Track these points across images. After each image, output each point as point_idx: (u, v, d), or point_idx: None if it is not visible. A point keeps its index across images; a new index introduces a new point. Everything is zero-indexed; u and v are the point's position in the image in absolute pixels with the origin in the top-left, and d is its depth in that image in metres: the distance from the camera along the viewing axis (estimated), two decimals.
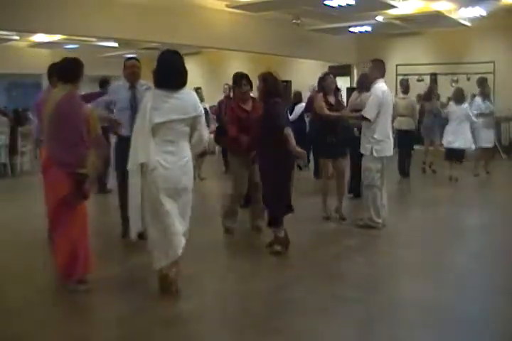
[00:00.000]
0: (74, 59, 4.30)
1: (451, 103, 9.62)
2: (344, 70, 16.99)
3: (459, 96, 9.43)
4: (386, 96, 5.90)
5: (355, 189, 8.07)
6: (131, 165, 3.88)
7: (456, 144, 9.27)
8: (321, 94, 6.47)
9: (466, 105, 9.42)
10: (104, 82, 8.67)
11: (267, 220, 5.20)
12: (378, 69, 6.09)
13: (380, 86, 5.96)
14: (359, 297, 4.02)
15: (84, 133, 4.05)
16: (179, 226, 3.92)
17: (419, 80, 14.60)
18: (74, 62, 4.26)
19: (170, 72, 3.91)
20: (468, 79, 13.61)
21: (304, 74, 16.14)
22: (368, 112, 5.89)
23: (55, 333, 3.46)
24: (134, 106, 5.20)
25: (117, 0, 10.52)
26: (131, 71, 5.43)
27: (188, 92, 4.01)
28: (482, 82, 10.24)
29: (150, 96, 3.94)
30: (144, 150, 3.79)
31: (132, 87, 5.41)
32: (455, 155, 9.39)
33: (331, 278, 4.48)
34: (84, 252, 4.12)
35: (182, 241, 3.93)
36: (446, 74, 14.57)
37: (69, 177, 3.98)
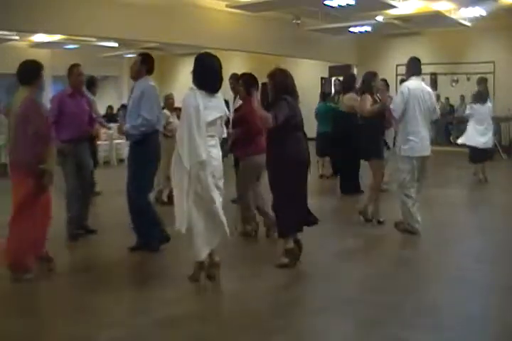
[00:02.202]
0: (30, 62, 4.49)
1: (475, 105, 9.40)
2: (344, 70, 17.01)
3: (481, 97, 9.38)
4: (413, 94, 5.66)
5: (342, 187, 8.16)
6: (188, 164, 4.03)
7: (485, 144, 9.26)
8: (368, 96, 6.26)
9: (489, 104, 9.39)
10: (90, 84, 8.39)
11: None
12: (411, 67, 5.92)
13: (408, 83, 5.79)
14: (359, 297, 4.02)
15: (43, 131, 4.31)
16: (223, 216, 4.21)
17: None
18: (30, 65, 4.46)
19: (214, 76, 4.23)
20: (468, 79, 13.63)
21: (304, 74, 16.16)
22: (394, 111, 5.77)
23: (55, 333, 3.46)
24: (126, 106, 5.19)
25: (118, 0, 10.53)
26: (130, 70, 5.21)
27: (219, 93, 4.32)
28: (480, 83, 10.20)
29: (197, 97, 4.08)
30: (203, 148, 4.05)
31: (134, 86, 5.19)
32: (481, 156, 9.33)
33: (331, 278, 4.47)
34: (38, 245, 4.45)
35: (227, 230, 4.26)
36: (446, 74, 14.59)
37: (30, 175, 4.25)
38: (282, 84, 4.74)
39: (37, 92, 4.48)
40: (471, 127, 9.41)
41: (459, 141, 9.74)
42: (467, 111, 9.65)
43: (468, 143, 9.44)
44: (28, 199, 4.29)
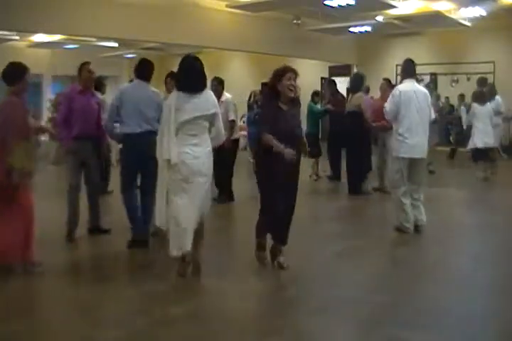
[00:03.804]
0: (13, 64, 4.58)
1: (475, 105, 9.47)
2: (344, 70, 17.00)
3: (481, 97, 9.38)
4: (405, 95, 5.71)
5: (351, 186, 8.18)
6: (159, 160, 4.30)
7: (491, 142, 9.28)
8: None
9: (489, 105, 9.39)
10: (100, 83, 8.59)
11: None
12: (405, 69, 6.02)
13: (400, 86, 5.88)
14: (359, 297, 4.02)
15: (13, 130, 4.35)
16: (192, 220, 4.22)
17: (419, 80, 14.59)
18: (15, 67, 4.56)
19: (192, 77, 4.28)
20: (468, 79, 13.63)
21: (304, 74, 16.15)
22: (386, 113, 5.89)
23: (55, 333, 3.46)
24: None
25: (117, 0, 10.53)
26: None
27: (207, 92, 4.39)
28: (481, 84, 10.19)
29: (173, 98, 4.26)
30: (167, 148, 4.19)
31: None
32: (485, 155, 9.32)
33: (331, 278, 4.47)
34: (21, 241, 4.45)
35: (190, 238, 4.22)
36: (446, 74, 14.59)
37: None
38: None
39: (20, 93, 4.56)
40: (475, 127, 9.40)
41: (469, 147, 9.63)
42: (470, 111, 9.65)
43: (471, 146, 9.45)
44: (2, 199, 4.36)
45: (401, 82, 6.07)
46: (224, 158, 7.23)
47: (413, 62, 6.01)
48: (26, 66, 4.61)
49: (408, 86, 5.83)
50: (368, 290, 4.17)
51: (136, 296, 4.07)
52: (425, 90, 5.98)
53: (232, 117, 7.29)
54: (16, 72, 4.53)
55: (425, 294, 4.10)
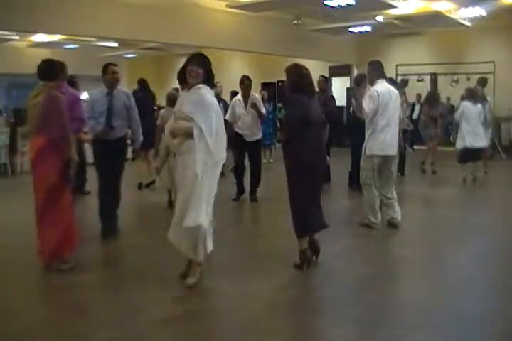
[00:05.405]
0: (54, 60, 4.80)
1: (467, 103, 9.29)
2: (344, 70, 17.00)
3: (474, 96, 9.31)
4: (382, 96, 5.84)
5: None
6: (211, 158, 4.10)
7: (481, 144, 9.21)
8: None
9: (479, 105, 9.33)
10: (72, 82, 8.51)
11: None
12: (374, 71, 6.09)
13: (375, 87, 5.95)
14: (359, 297, 4.02)
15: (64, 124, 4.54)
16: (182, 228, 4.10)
17: (419, 80, 14.61)
18: (54, 63, 4.76)
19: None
20: (468, 79, 13.62)
21: None
22: (367, 115, 5.94)
23: (55, 333, 3.46)
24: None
25: (117, 0, 10.52)
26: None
27: None
28: (482, 83, 10.18)
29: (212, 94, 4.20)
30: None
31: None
32: (475, 155, 9.29)
33: (331, 278, 4.48)
34: (69, 234, 4.60)
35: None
36: (446, 74, 14.58)
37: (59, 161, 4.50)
38: (297, 81, 4.75)
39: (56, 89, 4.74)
40: (464, 127, 9.30)
41: (458, 146, 9.47)
42: (458, 111, 9.58)
43: (462, 146, 9.32)
44: (54, 190, 4.49)
45: (373, 84, 6.05)
46: (254, 158, 7.44)
47: (380, 63, 6.13)
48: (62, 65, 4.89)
49: (383, 86, 5.98)
50: (368, 290, 4.17)
51: (136, 296, 4.07)
52: (396, 91, 6.13)
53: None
54: (55, 67, 4.72)
55: (425, 294, 4.10)
